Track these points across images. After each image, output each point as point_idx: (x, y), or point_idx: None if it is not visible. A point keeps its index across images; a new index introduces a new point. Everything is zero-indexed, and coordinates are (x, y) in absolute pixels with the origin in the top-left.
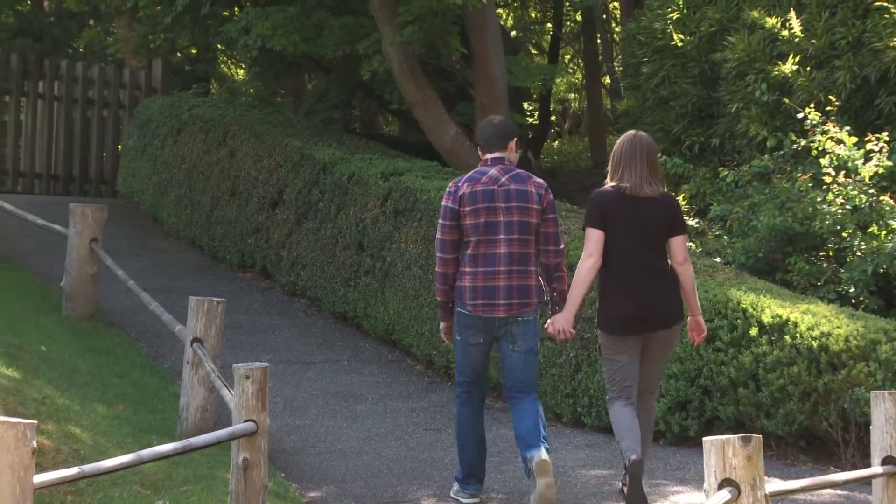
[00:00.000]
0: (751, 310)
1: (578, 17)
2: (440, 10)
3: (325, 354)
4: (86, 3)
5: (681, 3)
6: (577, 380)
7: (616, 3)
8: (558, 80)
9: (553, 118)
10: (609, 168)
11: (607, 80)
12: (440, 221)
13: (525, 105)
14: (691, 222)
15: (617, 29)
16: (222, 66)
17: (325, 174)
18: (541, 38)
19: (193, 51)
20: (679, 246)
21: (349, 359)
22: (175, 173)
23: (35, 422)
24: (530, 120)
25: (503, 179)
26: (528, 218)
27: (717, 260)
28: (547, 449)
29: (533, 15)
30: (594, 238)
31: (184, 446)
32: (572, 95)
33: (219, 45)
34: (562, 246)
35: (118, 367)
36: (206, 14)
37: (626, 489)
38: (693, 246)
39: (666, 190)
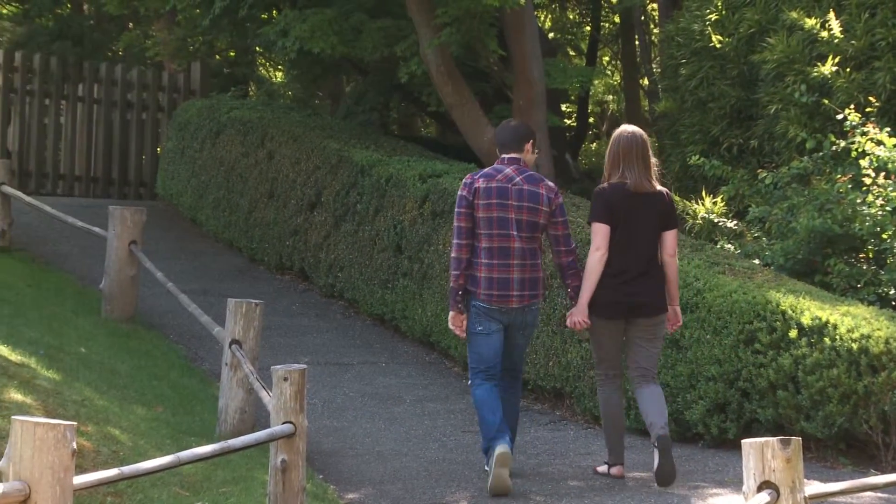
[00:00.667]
0: (790, 312)
1: (617, 19)
2: (478, 11)
3: (363, 356)
4: (125, 7)
5: (719, 4)
6: None
7: (654, 5)
8: (596, 82)
9: (591, 120)
10: (607, 165)
11: (645, 81)
12: (457, 210)
13: (563, 107)
14: (730, 224)
15: (655, 30)
16: (260, 68)
17: (363, 176)
18: (579, 40)
19: (232, 53)
20: (671, 239)
21: (387, 361)
22: (213, 176)
23: (75, 423)
24: (568, 122)
25: (517, 179)
26: (536, 218)
27: (756, 262)
28: (511, 439)
29: (571, 17)
30: (602, 232)
31: (222, 448)
32: (610, 97)
33: (257, 48)
34: (573, 245)
35: (157, 369)
36: (245, 17)
37: (612, 469)
38: (732, 248)
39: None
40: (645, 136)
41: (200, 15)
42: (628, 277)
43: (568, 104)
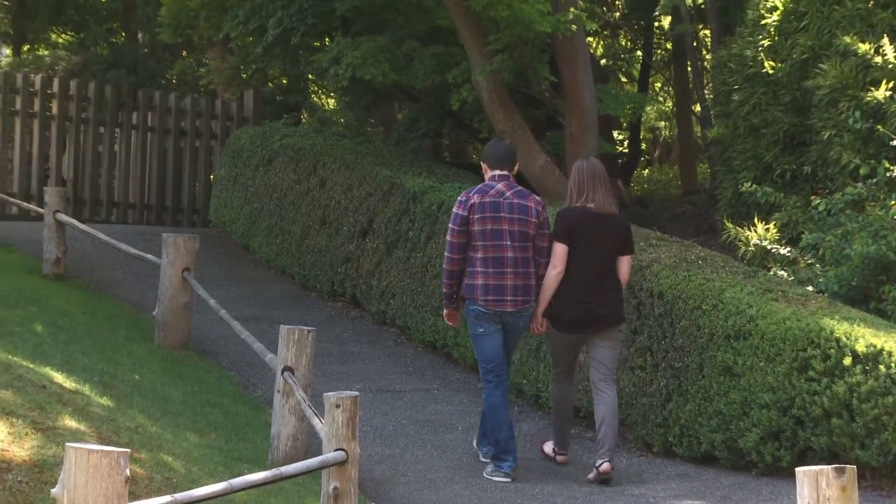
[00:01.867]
0: (844, 339)
1: (669, 45)
2: (530, 38)
3: (415, 383)
4: (179, 35)
5: (772, 30)
6: (668, 409)
7: (707, 31)
8: (648, 108)
9: (643, 146)
10: (573, 191)
11: (698, 107)
12: (451, 226)
13: (615, 133)
14: (783, 251)
15: (708, 56)
16: (313, 95)
17: (414, 203)
18: (631, 66)
19: (284, 81)
20: (626, 264)
21: (439, 388)
22: (266, 203)
23: (128, 450)
24: (620, 148)
25: (508, 193)
26: (527, 228)
27: (810, 289)
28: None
29: (623, 43)
30: (561, 252)
31: (275, 475)
32: (663, 123)
33: (310, 75)
34: (549, 260)
35: (210, 396)
36: (297, 44)
37: (558, 456)
38: (785, 275)
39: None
40: (603, 166)
41: (253, 43)
42: (589, 293)
43: (620, 130)
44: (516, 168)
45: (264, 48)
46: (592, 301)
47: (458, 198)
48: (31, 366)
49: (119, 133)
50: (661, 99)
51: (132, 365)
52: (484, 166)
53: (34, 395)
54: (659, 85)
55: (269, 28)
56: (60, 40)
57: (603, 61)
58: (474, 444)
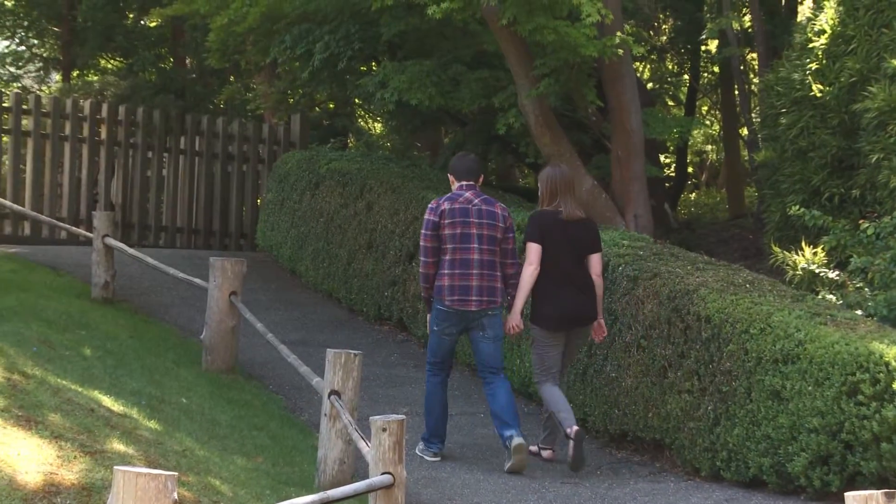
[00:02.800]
0: (894, 363)
1: (716, 69)
2: (577, 62)
3: (462, 407)
4: (227, 60)
5: (820, 53)
6: (716, 433)
7: (754, 55)
8: (695, 132)
9: (690, 170)
10: (545, 195)
11: (745, 131)
12: (423, 232)
13: (662, 157)
14: (832, 275)
15: (755, 80)
16: (359, 120)
17: None
18: (678, 90)
19: (331, 105)
20: (597, 261)
21: (485, 412)
22: (313, 227)
23: (176, 473)
24: (667, 172)
25: (476, 201)
26: (494, 233)
27: (859, 313)
28: (520, 432)
29: (670, 66)
30: (535, 251)
31: (321, 499)
32: (710, 147)
33: (356, 100)
34: (517, 260)
35: (257, 420)
36: (344, 69)
37: (543, 451)
38: (834, 298)
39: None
40: (572, 173)
41: (300, 68)
42: (566, 293)
43: (667, 154)
44: (481, 179)
45: (311, 73)
46: (571, 301)
47: (429, 205)
48: (80, 389)
49: (167, 158)
50: (708, 122)
51: (180, 388)
52: (451, 178)
53: (83, 418)
54: (706, 108)
55: (316, 53)
56: (109, 66)
57: (650, 85)
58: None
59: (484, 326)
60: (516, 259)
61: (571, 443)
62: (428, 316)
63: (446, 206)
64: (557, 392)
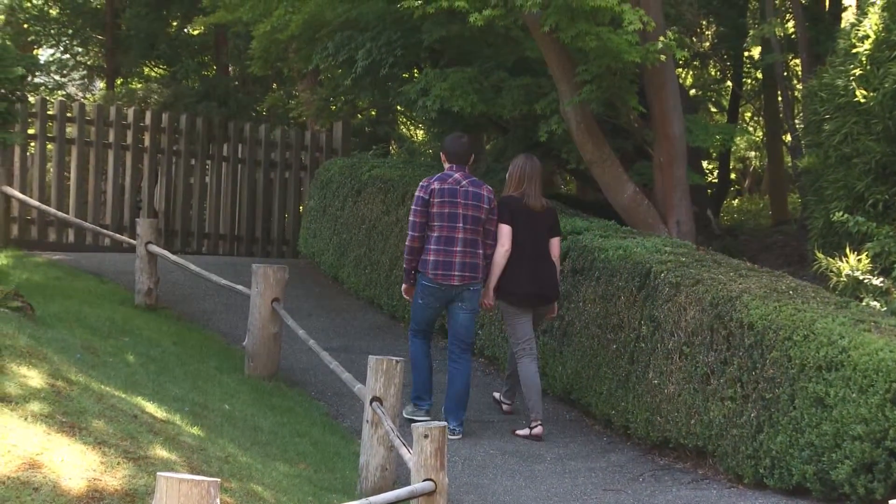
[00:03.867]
0: None
1: (759, 75)
2: (619, 69)
3: (504, 414)
4: (269, 68)
5: (864, 59)
6: (759, 440)
7: (797, 61)
8: (738, 139)
9: (733, 176)
10: (514, 181)
11: (788, 137)
12: (413, 208)
13: (704, 163)
14: (876, 281)
15: (798, 86)
16: (401, 126)
17: None
18: (721, 97)
19: (373, 112)
20: (557, 244)
21: (526, 419)
22: (355, 233)
23: (219, 480)
24: (710, 178)
25: (464, 182)
26: (479, 214)
27: None
28: (461, 422)
29: (712, 73)
30: (506, 232)
31: None
32: (753, 153)
33: (398, 107)
34: (496, 241)
35: (299, 426)
36: (386, 75)
37: (504, 405)
38: (878, 305)
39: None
40: (539, 163)
41: (342, 75)
42: (532, 273)
43: (709, 161)
44: (471, 160)
45: (353, 80)
46: (537, 280)
47: (421, 183)
48: (124, 396)
49: (210, 165)
50: (751, 129)
51: (222, 395)
52: (443, 157)
53: (126, 424)
54: (749, 115)
55: (358, 60)
56: (153, 73)
57: (692, 91)
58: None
59: (464, 299)
60: (496, 240)
61: (530, 431)
62: (404, 286)
63: (436, 185)
64: (533, 373)
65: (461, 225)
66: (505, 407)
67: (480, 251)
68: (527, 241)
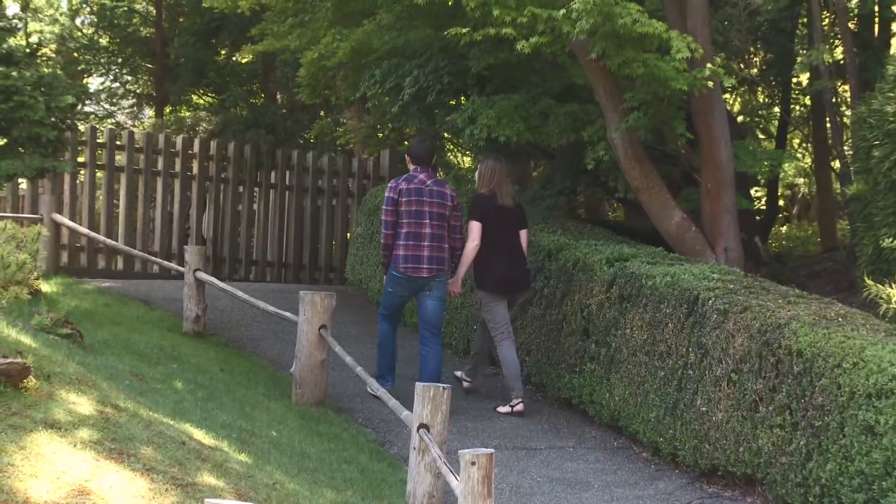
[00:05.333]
0: None
1: (807, 101)
2: (666, 95)
3: (551, 441)
4: (317, 96)
5: None
6: (809, 469)
7: (846, 87)
8: (786, 165)
9: (781, 203)
10: (484, 180)
11: (837, 164)
12: (384, 207)
13: (752, 190)
14: None
15: (847, 112)
16: (448, 153)
17: (549, 260)
18: (769, 123)
19: None
20: (525, 237)
21: (574, 445)
22: None
23: None
24: (758, 205)
25: (428, 182)
26: (444, 210)
27: None
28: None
29: (761, 99)
30: (477, 229)
31: None
32: (801, 180)
33: (445, 134)
34: (463, 235)
35: (346, 453)
36: (433, 103)
37: (464, 382)
38: None
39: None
40: (506, 167)
41: (389, 102)
42: (506, 264)
43: (757, 187)
44: (433, 161)
45: (400, 107)
46: (511, 269)
47: (389, 184)
48: (172, 422)
49: (258, 192)
50: (799, 155)
51: (270, 421)
52: (408, 159)
53: (174, 451)
54: (797, 141)
55: (406, 87)
56: (201, 101)
57: (740, 118)
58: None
59: (431, 288)
60: (462, 234)
61: (511, 408)
62: (384, 278)
63: (404, 185)
64: (513, 357)
65: (428, 221)
66: (465, 384)
67: (447, 245)
68: (499, 235)
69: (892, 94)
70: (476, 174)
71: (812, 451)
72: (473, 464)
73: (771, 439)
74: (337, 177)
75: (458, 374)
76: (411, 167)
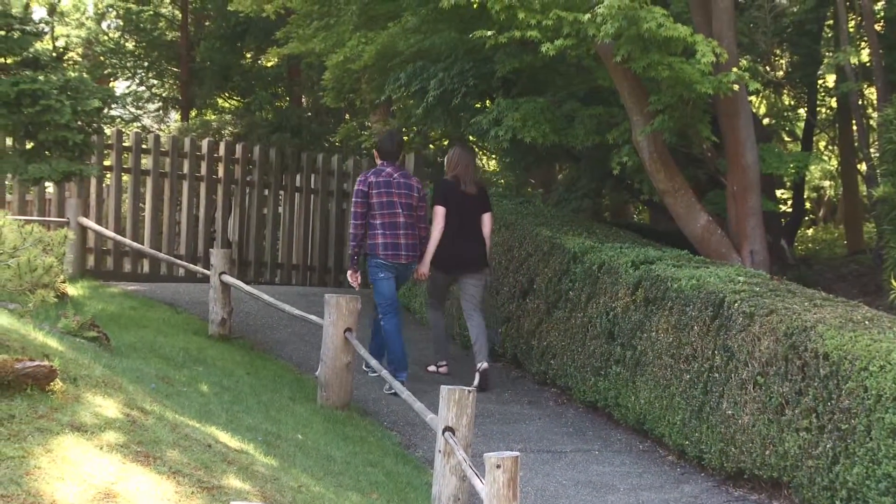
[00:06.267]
0: None
1: (833, 104)
2: (691, 98)
3: (576, 444)
4: (342, 99)
5: None
6: (835, 472)
7: (873, 89)
8: (812, 168)
9: (807, 205)
10: (451, 166)
11: (863, 166)
12: (355, 199)
13: (778, 192)
14: None
15: (873, 114)
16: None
17: (575, 263)
18: (794, 125)
19: (445, 143)
20: (488, 219)
21: (600, 448)
22: None
23: None
24: (783, 207)
25: (395, 175)
26: (411, 201)
27: None
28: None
29: (786, 102)
30: (440, 213)
31: None
32: (827, 182)
33: (470, 136)
34: (428, 225)
35: (371, 456)
36: (458, 105)
37: (440, 368)
38: None
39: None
40: (474, 154)
41: (414, 105)
42: (460, 244)
43: (784, 190)
44: (402, 156)
45: (425, 110)
46: (463, 250)
47: (359, 177)
48: (198, 425)
49: (283, 195)
50: (825, 158)
51: (295, 424)
52: (376, 154)
53: (200, 454)
54: (823, 144)
55: (430, 90)
56: (227, 105)
57: (766, 120)
58: (364, 367)
59: (405, 275)
60: (427, 224)
61: (437, 369)
62: (349, 272)
63: (373, 178)
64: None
65: (399, 211)
66: (442, 369)
67: (416, 233)
68: (459, 217)
69: None
70: (445, 160)
71: (839, 455)
72: (499, 467)
73: (797, 442)
74: None
75: (432, 368)
76: (379, 162)
